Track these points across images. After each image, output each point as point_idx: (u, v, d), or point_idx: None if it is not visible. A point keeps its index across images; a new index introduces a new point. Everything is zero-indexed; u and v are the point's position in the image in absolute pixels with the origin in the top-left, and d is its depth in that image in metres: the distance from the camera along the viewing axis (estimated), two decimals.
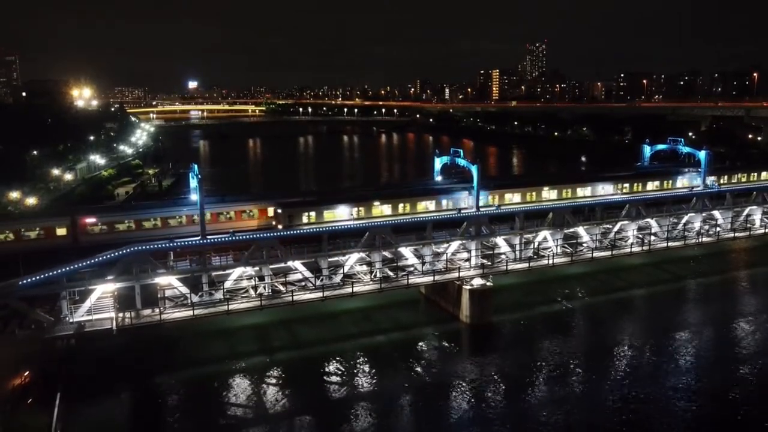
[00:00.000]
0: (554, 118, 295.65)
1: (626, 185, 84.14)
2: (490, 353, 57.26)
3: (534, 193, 76.88)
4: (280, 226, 62.15)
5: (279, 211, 64.38)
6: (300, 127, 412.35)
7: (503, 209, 71.08)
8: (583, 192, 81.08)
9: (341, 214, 67.29)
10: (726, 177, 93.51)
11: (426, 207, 70.93)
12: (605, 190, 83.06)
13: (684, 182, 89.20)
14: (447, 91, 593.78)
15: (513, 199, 75.53)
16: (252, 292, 57.71)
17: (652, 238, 75.39)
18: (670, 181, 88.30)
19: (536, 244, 69.90)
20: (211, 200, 65.90)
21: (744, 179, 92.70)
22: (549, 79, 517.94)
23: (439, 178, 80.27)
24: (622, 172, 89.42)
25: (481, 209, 69.22)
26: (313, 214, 65.09)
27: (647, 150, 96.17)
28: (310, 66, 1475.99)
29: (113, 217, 62.05)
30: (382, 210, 69.06)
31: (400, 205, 69.72)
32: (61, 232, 58.66)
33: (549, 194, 78.28)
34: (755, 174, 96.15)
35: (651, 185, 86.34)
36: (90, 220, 60.03)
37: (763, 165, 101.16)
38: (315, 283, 58.58)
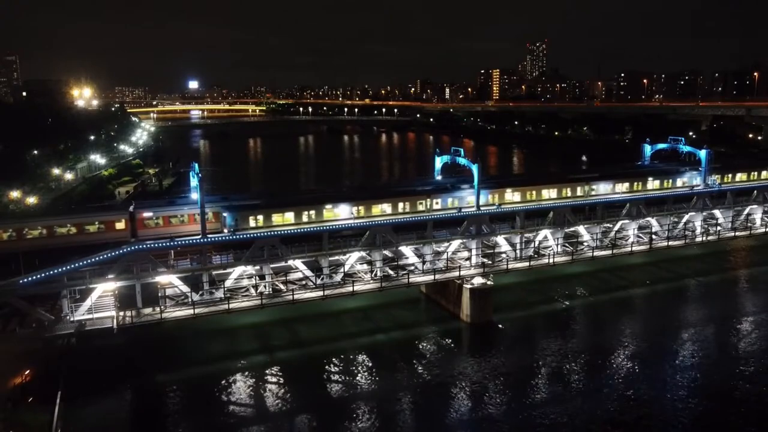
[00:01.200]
0: (555, 118, 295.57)
1: (594, 187, 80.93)
2: (491, 352, 57.23)
3: (497, 195, 75.47)
4: (225, 230, 61.70)
5: (225, 214, 62.82)
6: (300, 127, 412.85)
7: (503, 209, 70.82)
8: (549, 194, 78.61)
9: (291, 218, 65.01)
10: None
11: (382, 210, 68.74)
12: (571, 192, 79.93)
13: (656, 184, 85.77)
14: (447, 90, 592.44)
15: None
16: (252, 290, 57.78)
17: (653, 237, 75.23)
18: (641, 183, 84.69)
19: (537, 243, 69.90)
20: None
21: (719, 180, 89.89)
22: (549, 78, 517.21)
23: (439, 177, 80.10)
24: (592, 173, 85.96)
25: (437, 212, 68.10)
26: (260, 217, 63.31)
27: (648, 149, 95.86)
28: (310, 66, 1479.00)
29: (168, 211, 63.16)
30: (335, 213, 66.67)
31: (354, 209, 67.29)
32: (120, 226, 60.26)
33: (513, 196, 76.86)
34: (729, 176, 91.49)
35: (620, 187, 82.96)
36: (147, 214, 61.52)
37: (741, 167, 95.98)
38: (315, 282, 58.63)
